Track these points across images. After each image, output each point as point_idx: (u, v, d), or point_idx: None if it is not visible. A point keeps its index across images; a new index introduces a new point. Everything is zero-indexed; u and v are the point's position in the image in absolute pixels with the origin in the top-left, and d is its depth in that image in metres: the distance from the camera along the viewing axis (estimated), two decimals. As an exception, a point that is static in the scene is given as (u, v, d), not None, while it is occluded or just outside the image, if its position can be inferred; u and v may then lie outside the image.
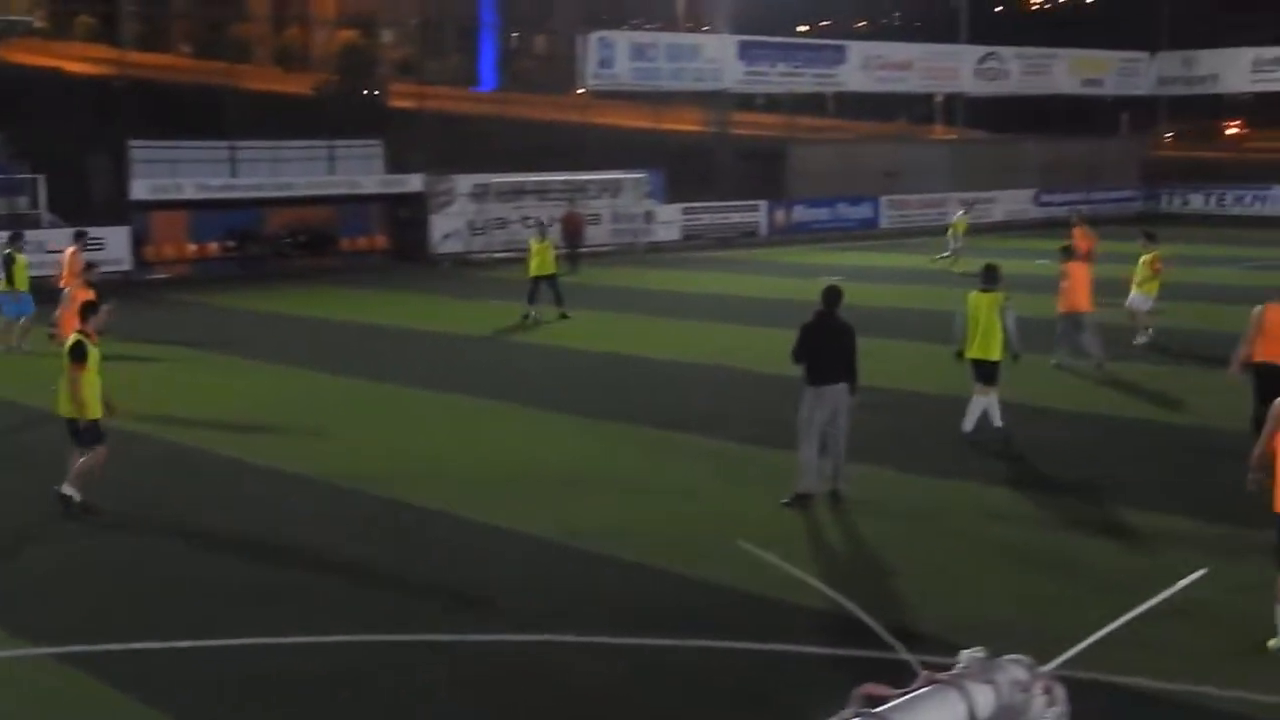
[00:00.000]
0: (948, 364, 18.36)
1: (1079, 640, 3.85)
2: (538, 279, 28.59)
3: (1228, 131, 71.21)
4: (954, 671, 2.96)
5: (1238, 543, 12.45)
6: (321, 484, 15.26)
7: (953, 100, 61.00)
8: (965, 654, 3.02)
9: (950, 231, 40.50)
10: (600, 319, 29.19)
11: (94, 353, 14.31)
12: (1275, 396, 14.69)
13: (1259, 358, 15.48)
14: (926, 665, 3.02)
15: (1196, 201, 57.84)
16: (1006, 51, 58.90)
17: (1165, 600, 5.34)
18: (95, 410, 14.23)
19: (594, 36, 49.04)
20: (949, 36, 59.29)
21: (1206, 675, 9.37)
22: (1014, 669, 2.98)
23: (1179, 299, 30.80)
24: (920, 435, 17.50)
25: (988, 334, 16.62)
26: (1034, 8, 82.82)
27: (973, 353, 16.87)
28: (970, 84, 58.07)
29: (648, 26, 68.16)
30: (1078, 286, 21.81)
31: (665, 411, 19.02)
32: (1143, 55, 62.38)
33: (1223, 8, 78.54)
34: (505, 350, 25.40)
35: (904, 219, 52.88)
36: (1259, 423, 14.50)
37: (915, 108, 65.75)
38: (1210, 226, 52.80)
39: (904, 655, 3.73)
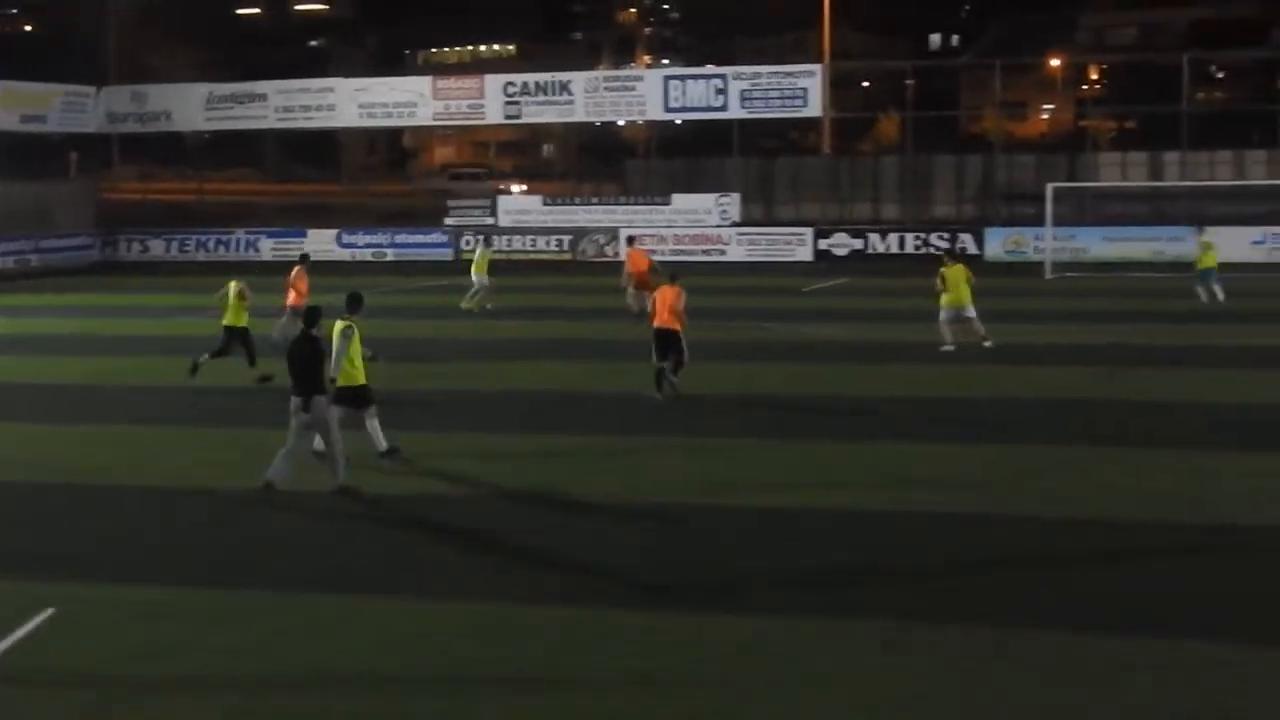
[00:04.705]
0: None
1: None
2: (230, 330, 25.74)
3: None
4: None
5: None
6: None
7: None
8: None
9: (474, 270, 38.34)
10: None
11: None
12: (668, 350, 22.69)
13: (656, 324, 22.91)
14: None
15: (157, 247, 58.87)
16: (-66, 84, 56.65)
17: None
18: None
19: None
20: None
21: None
22: None
23: (129, 353, 31.08)
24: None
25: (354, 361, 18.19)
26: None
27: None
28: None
29: None
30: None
31: None
32: (90, 90, 62.53)
33: (177, 44, 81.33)
34: None
35: None
36: (659, 372, 22.84)
37: None
38: (173, 274, 53.81)
39: None
